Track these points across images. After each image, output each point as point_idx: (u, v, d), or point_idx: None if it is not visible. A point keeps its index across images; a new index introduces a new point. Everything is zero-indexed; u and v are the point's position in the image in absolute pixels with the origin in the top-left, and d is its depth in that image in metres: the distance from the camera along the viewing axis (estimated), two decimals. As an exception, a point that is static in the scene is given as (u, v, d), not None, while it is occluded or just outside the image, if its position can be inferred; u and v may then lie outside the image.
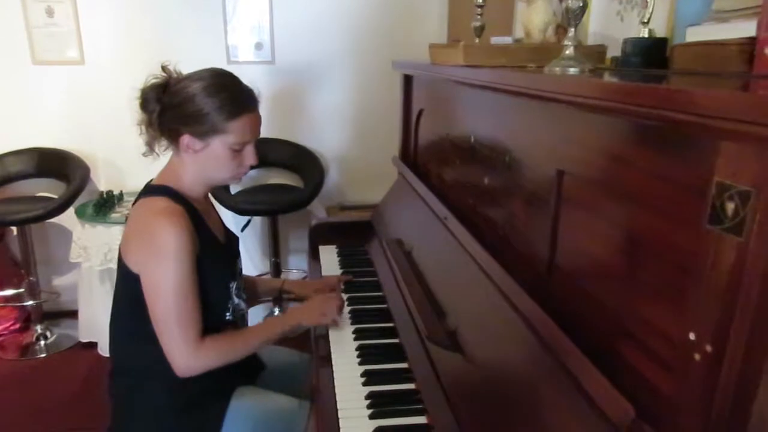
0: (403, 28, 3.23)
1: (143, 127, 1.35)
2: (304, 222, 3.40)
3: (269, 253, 3.30)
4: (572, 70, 1.02)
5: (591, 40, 1.60)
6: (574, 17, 1.03)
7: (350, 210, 3.35)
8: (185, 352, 1.29)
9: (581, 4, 1.01)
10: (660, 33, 1.26)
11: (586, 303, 0.89)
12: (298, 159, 3.31)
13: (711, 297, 0.57)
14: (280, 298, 3.29)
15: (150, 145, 1.37)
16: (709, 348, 0.57)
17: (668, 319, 0.67)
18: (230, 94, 1.31)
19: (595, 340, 0.83)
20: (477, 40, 1.66)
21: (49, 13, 2.94)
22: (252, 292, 1.76)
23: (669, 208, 0.67)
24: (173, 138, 1.33)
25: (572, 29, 1.04)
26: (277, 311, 3.26)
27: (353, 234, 2.17)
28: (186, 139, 1.30)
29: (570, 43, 1.04)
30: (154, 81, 1.33)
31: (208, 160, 1.33)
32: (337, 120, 3.35)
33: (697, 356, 0.59)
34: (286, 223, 3.39)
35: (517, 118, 1.13)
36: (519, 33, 2.18)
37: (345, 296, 1.69)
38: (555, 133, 0.96)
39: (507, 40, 1.92)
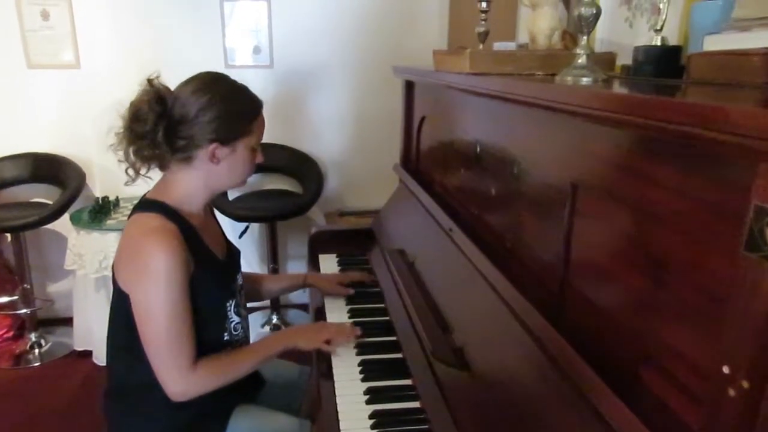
0: (403, 33, 3.20)
1: (134, 148, 1.25)
2: (303, 228, 3.36)
3: (267, 259, 3.26)
4: (585, 80, 0.99)
5: (598, 47, 1.56)
6: (586, 25, 0.99)
7: (349, 216, 3.31)
8: (177, 378, 1.24)
9: (594, 12, 0.98)
10: (672, 41, 1.22)
11: (602, 324, 0.85)
12: (297, 164, 3.26)
13: (748, 328, 0.53)
14: (277, 306, 3.26)
15: (136, 169, 1.28)
16: (745, 384, 0.53)
17: (697, 348, 0.63)
18: (243, 95, 1.31)
19: (613, 364, 0.79)
20: (481, 46, 1.63)
21: (45, 16, 2.90)
22: (267, 289, 1.75)
23: (698, 230, 0.63)
24: (189, 150, 1.25)
25: (584, 37, 1.01)
26: (275, 319, 3.22)
27: (353, 242, 2.13)
28: (213, 147, 1.25)
29: (582, 51, 1.01)
30: (148, 97, 1.23)
31: (228, 167, 1.29)
32: (336, 125, 3.31)
33: (731, 392, 0.55)
34: (284, 229, 3.35)
35: (528, 129, 1.09)
36: (522, 38, 2.14)
37: (347, 307, 1.65)
38: (570, 145, 0.92)
39: (511, 45, 1.89)
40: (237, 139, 1.28)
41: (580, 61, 1.01)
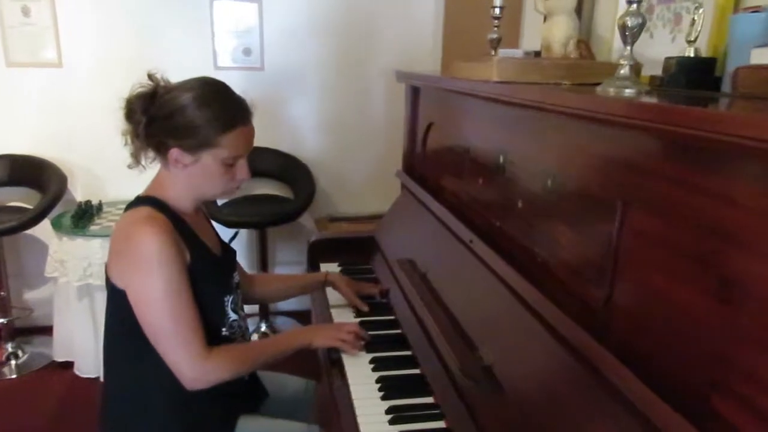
0: (396, 37, 3.16)
1: (129, 138, 1.26)
2: (292, 233, 3.30)
3: (257, 265, 3.18)
4: (628, 92, 0.96)
5: (615, 57, 1.55)
6: (631, 35, 0.96)
7: (340, 222, 3.25)
8: (191, 364, 1.20)
9: (640, 21, 0.95)
10: (702, 53, 1.21)
11: (657, 344, 0.82)
12: (287, 169, 3.20)
13: None
14: (266, 313, 3.18)
15: (136, 157, 1.27)
16: None
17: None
18: (222, 105, 1.23)
19: (675, 388, 0.76)
20: (492, 53, 1.60)
21: (25, 12, 2.78)
22: (278, 288, 1.72)
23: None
24: (161, 151, 1.24)
25: (628, 48, 0.98)
26: (264, 327, 3.14)
27: (354, 250, 2.08)
28: (175, 153, 1.22)
29: (626, 62, 0.98)
30: (140, 90, 1.23)
31: (197, 175, 1.25)
32: (325, 128, 3.26)
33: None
34: (273, 235, 3.28)
35: (569, 141, 1.06)
36: (527, 46, 2.13)
37: (357, 320, 1.60)
38: (620, 160, 0.89)
39: (517, 53, 1.86)
40: (200, 149, 1.21)
41: (622, 72, 0.97)
